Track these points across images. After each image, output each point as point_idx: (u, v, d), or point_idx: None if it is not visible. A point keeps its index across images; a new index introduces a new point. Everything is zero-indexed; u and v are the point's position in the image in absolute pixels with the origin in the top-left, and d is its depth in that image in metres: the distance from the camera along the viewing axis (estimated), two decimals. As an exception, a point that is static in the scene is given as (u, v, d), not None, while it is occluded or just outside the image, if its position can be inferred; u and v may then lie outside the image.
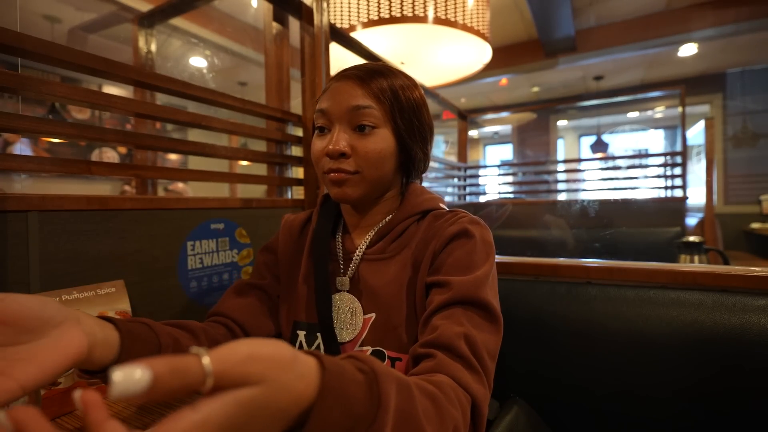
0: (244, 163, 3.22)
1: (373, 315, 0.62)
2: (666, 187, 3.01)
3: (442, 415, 0.40)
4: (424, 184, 0.76)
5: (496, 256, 0.63)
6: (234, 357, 0.25)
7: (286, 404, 0.27)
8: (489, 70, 3.15)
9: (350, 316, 0.63)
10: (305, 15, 1.32)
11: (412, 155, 0.65)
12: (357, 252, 0.65)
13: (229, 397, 0.24)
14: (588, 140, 6.48)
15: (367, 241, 0.65)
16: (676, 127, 5.92)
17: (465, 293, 0.53)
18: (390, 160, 0.62)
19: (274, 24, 1.34)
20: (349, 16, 2.17)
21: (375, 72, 0.62)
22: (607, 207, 2.86)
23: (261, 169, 1.36)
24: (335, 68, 0.85)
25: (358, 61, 1.70)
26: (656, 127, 6.53)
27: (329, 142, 0.60)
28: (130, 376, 0.19)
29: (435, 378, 0.45)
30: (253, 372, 0.25)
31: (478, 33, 2.31)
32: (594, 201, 2.97)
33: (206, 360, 0.23)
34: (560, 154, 6.84)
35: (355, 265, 0.65)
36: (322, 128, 0.63)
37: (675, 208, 2.76)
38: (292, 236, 0.74)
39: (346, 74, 0.63)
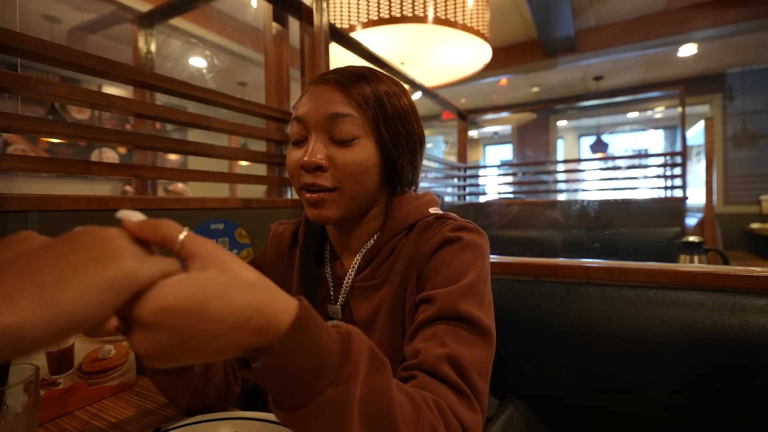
0: (243, 163, 3.22)
1: None
2: (666, 188, 3.01)
3: (420, 418, 0.37)
4: (424, 184, 0.72)
5: (497, 257, 0.60)
6: (207, 244, 0.29)
7: (246, 306, 0.28)
8: (489, 70, 3.15)
9: None
10: (305, 15, 1.32)
11: (397, 168, 0.58)
12: (346, 279, 0.61)
13: (186, 276, 0.27)
14: (588, 140, 6.48)
15: (355, 267, 0.60)
16: (676, 127, 5.93)
17: (447, 307, 0.48)
18: (372, 173, 0.56)
19: (274, 24, 1.34)
20: (349, 16, 2.17)
21: (358, 76, 0.57)
22: (606, 207, 2.86)
23: (261, 169, 1.36)
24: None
25: (358, 61, 1.71)
26: (656, 128, 6.53)
27: (305, 153, 0.54)
28: (132, 212, 0.29)
29: (418, 390, 0.41)
30: (212, 259, 0.29)
31: (478, 33, 2.31)
32: (594, 201, 2.97)
33: (183, 234, 0.29)
34: (560, 155, 6.84)
35: (345, 293, 0.61)
36: (299, 140, 0.57)
37: (675, 208, 2.77)
38: (282, 253, 0.68)
39: (326, 78, 0.57)
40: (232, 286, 0.28)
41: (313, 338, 0.31)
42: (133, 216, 0.29)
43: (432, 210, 0.61)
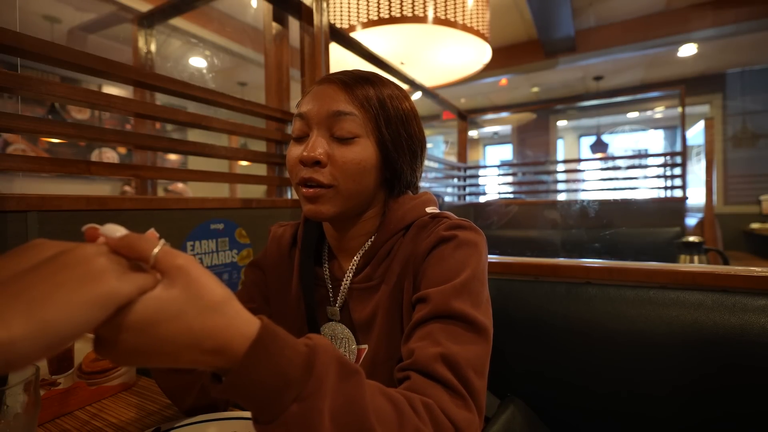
0: (243, 163, 3.22)
1: (366, 347, 0.59)
2: (666, 188, 3.01)
3: (403, 423, 0.37)
4: (424, 184, 0.72)
5: (497, 257, 0.60)
6: (178, 260, 0.30)
7: (198, 330, 0.29)
8: (489, 70, 3.15)
9: (345, 345, 0.60)
10: (305, 15, 1.32)
11: (397, 170, 0.59)
12: (345, 280, 0.61)
13: (145, 296, 0.28)
14: (588, 140, 6.48)
15: (353, 268, 0.60)
16: (676, 127, 5.92)
17: (441, 306, 0.48)
18: (370, 173, 0.56)
19: (274, 24, 1.34)
20: (349, 16, 2.17)
21: (362, 78, 0.58)
22: (607, 207, 2.86)
23: (261, 169, 1.36)
24: (335, 68, 0.85)
25: (358, 61, 1.71)
26: (656, 128, 6.53)
27: (305, 148, 0.54)
28: (115, 228, 0.31)
29: (406, 392, 0.41)
30: (179, 277, 0.29)
31: (477, 33, 2.31)
32: (594, 201, 2.97)
33: (156, 250, 0.30)
34: (560, 155, 6.84)
35: (343, 294, 0.61)
36: (300, 136, 0.57)
37: (675, 208, 2.77)
38: (282, 255, 0.68)
39: (330, 78, 0.58)
40: (189, 309, 0.29)
41: (275, 356, 0.32)
42: (116, 232, 0.30)
43: (429, 209, 0.61)
